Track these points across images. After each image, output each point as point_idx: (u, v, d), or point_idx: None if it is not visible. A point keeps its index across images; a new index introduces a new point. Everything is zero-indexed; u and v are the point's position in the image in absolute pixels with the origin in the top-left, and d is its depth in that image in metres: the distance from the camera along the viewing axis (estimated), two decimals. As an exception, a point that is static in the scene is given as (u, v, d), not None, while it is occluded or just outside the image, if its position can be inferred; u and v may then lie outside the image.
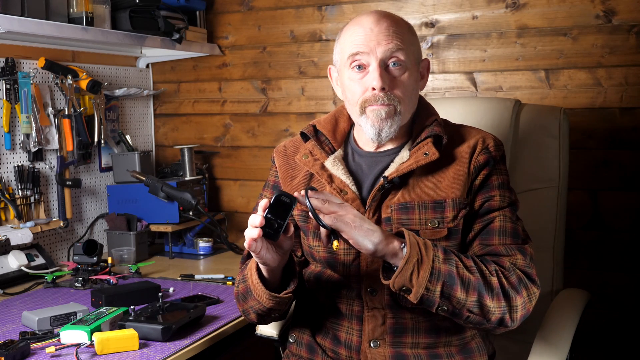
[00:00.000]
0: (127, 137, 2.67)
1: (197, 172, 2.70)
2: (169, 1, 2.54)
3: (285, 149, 1.56)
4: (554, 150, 1.84)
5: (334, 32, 2.52)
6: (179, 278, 2.17)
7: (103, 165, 2.63)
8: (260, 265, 1.32)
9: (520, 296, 1.27)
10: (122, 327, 1.55)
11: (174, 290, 2.00)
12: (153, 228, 2.50)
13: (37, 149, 2.29)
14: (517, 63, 2.26)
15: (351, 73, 1.39)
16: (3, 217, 2.18)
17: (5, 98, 2.20)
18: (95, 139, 2.49)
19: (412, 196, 1.36)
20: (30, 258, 2.20)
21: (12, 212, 2.18)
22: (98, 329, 1.50)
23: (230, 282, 2.08)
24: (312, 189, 1.25)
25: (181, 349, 1.52)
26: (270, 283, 1.35)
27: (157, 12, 2.44)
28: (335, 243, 1.23)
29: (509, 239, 1.33)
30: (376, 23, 1.36)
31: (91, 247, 2.15)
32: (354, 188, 1.40)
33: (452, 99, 2.25)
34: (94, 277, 2.11)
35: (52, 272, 2.17)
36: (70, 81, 2.35)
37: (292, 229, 1.25)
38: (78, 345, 1.45)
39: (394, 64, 1.36)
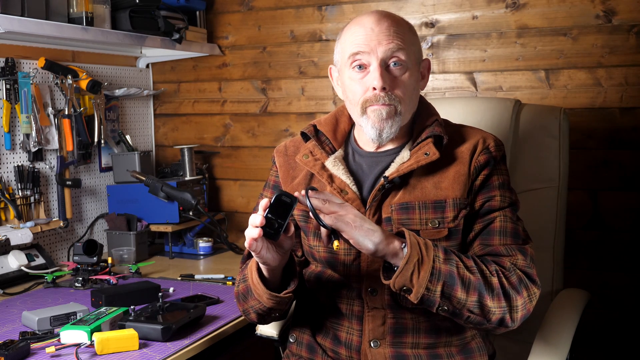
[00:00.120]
0: (127, 137, 2.67)
1: (197, 172, 2.69)
2: (169, 1, 2.54)
3: (285, 148, 1.56)
4: (554, 150, 1.84)
5: (334, 32, 2.52)
6: (179, 278, 2.17)
7: (103, 165, 2.63)
8: (261, 265, 1.32)
9: (521, 296, 1.27)
10: (122, 327, 1.55)
11: (174, 290, 2.00)
12: (153, 228, 2.50)
13: (37, 149, 2.29)
14: (517, 63, 2.26)
15: (352, 73, 1.39)
16: (3, 217, 2.18)
17: (5, 98, 2.20)
18: (95, 139, 2.49)
19: (412, 196, 1.36)
20: (30, 258, 2.19)
21: (12, 212, 2.17)
22: (98, 329, 1.50)
23: (230, 282, 2.08)
24: (313, 188, 1.25)
25: (181, 349, 1.52)
26: (270, 283, 1.35)
27: (157, 12, 2.44)
28: (335, 243, 1.23)
29: (510, 239, 1.33)
30: (377, 23, 1.36)
31: (91, 247, 2.15)
32: (354, 188, 1.40)
33: (452, 99, 2.24)
34: (94, 277, 2.11)
35: (52, 272, 2.17)
36: (70, 81, 2.35)
37: (292, 228, 1.25)
38: (78, 345, 1.45)
39: (395, 64, 1.36)
